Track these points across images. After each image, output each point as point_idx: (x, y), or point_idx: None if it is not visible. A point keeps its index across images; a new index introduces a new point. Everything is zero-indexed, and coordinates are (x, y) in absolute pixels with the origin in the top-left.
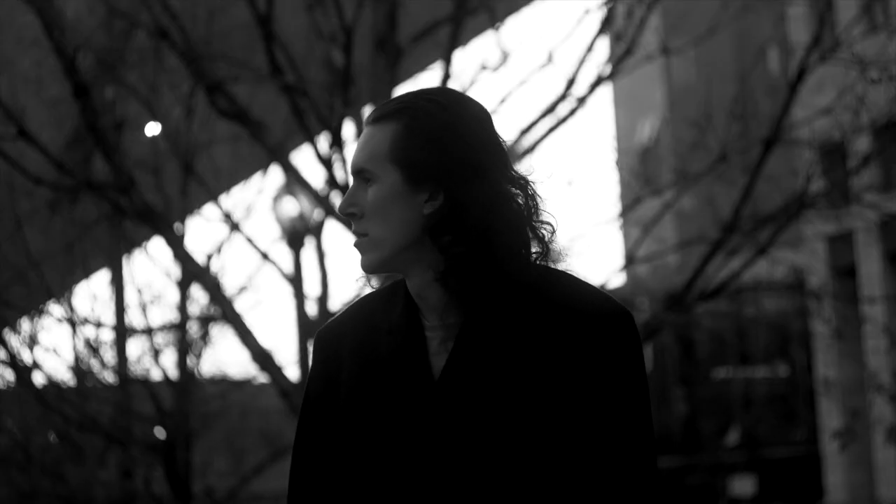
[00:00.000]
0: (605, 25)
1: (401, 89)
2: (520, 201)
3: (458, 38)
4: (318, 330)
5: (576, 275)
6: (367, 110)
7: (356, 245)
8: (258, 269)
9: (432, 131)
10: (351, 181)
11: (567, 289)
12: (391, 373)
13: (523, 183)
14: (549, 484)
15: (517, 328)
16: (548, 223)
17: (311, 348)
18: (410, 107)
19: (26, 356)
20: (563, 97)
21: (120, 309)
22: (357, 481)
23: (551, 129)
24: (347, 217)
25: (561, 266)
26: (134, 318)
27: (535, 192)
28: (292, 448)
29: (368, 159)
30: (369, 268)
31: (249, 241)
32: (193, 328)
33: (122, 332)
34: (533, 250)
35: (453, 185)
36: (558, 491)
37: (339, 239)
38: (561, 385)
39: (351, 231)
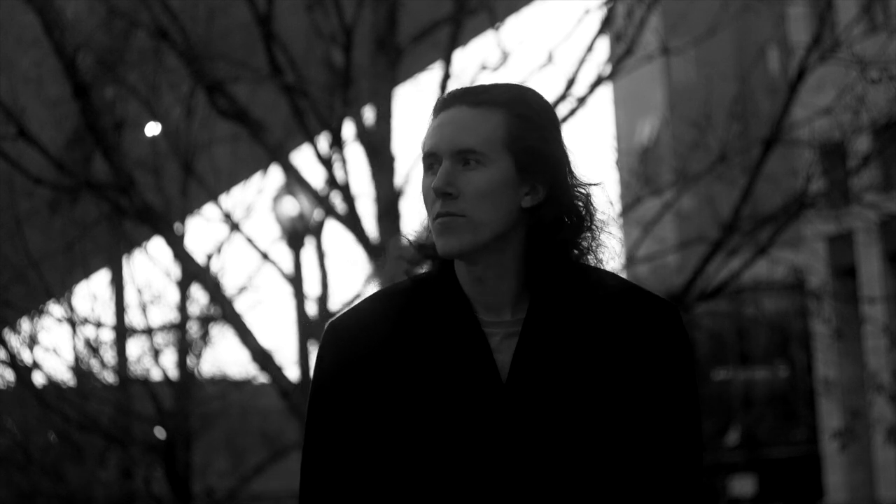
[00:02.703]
0: (605, 25)
1: (401, 89)
2: (581, 202)
3: (458, 38)
4: (332, 321)
5: (619, 273)
6: (367, 110)
7: (447, 224)
8: (258, 269)
9: (544, 126)
10: (421, 163)
11: (622, 286)
12: (453, 371)
13: (586, 187)
14: (616, 479)
15: (581, 324)
16: (601, 227)
17: (312, 346)
18: (521, 97)
19: (26, 356)
20: (563, 97)
21: (120, 309)
22: (411, 486)
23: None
24: (443, 196)
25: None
26: (134, 318)
27: (592, 195)
28: (304, 448)
29: (482, 142)
30: (461, 249)
31: (249, 241)
32: (193, 328)
33: (122, 332)
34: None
35: (555, 181)
36: (624, 485)
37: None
38: (627, 380)
39: (437, 210)
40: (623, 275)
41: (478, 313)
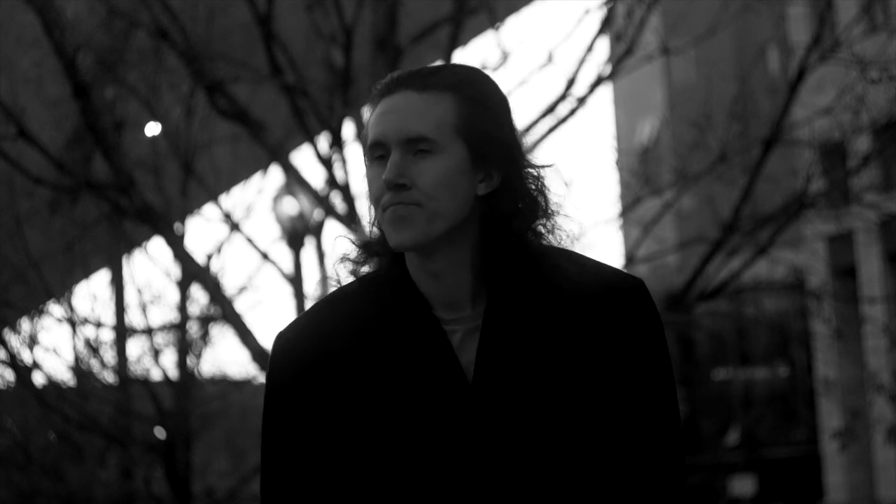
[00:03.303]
0: (605, 25)
1: None
2: (535, 187)
3: (458, 38)
4: (280, 332)
5: (577, 251)
6: (367, 110)
7: (401, 216)
8: (258, 269)
9: (496, 109)
10: (363, 156)
11: (580, 267)
12: (415, 375)
13: (539, 170)
14: (594, 474)
15: (542, 313)
16: (556, 210)
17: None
18: (470, 80)
19: (26, 356)
20: (563, 97)
21: (120, 309)
22: (378, 496)
23: (551, 129)
24: (396, 187)
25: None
26: (134, 318)
27: (544, 179)
28: (262, 466)
29: (434, 128)
30: (415, 241)
31: (249, 241)
32: (193, 328)
33: (122, 332)
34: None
35: (509, 166)
36: (602, 481)
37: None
38: (596, 368)
39: (389, 201)
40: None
41: (435, 311)
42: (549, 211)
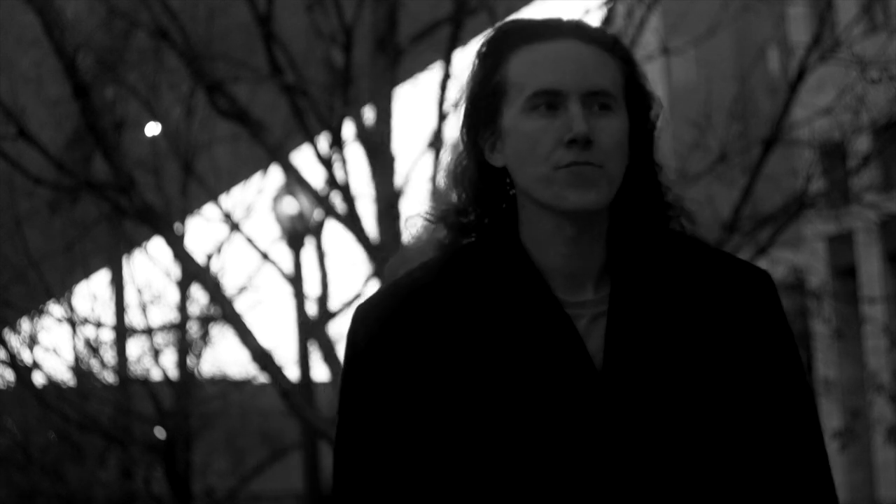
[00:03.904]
0: (605, 25)
1: (401, 89)
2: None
3: (458, 38)
4: (362, 304)
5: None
6: (367, 110)
7: (587, 175)
8: (258, 269)
9: (646, 80)
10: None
11: (708, 253)
12: (537, 362)
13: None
14: (735, 475)
15: (673, 300)
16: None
17: (312, 346)
18: (622, 44)
19: (26, 356)
20: None
21: (120, 309)
22: (489, 493)
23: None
24: (585, 144)
25: None
26: (134, 318)
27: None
28: (339, 464)
29: (612, 85)
30: (599, 205)
31: (249, 241)
32: (193, 328)
33: (122, 332)
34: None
35: (650, 141)
36: (746, 482)
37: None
38: (727, 360)
39: (571, 158)
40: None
41: (556, 292)
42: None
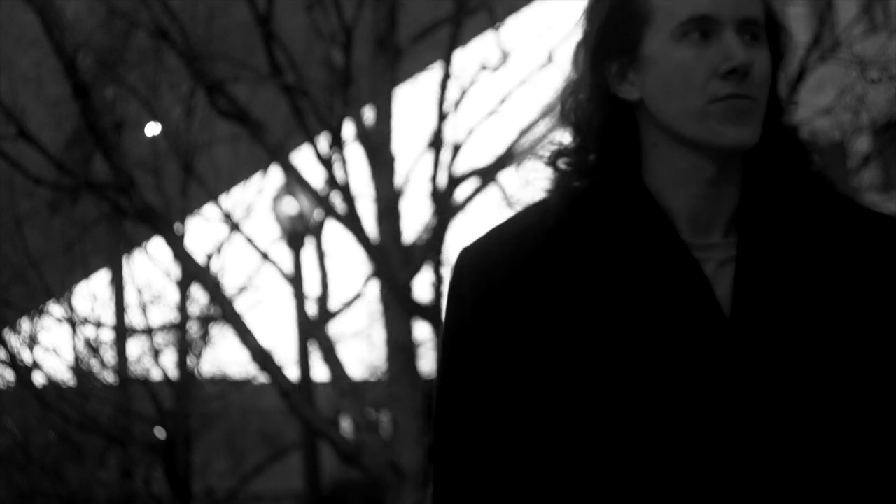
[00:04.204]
0: None
1: (401, 89)
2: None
3: (458, 38)
4: (467, 246)
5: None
6: (367, 110)
7: (745, 108)
8: (258, 269)
9: (780, 14)
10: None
11: (847, 201)
12: (660, 308)
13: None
14: (864, 426)
15: (807, 248)
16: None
17: (312, 346)
18: None
19: (26, 356)
20: None
21: (120, 309)
22: (610, 453)
23: (551, 129)
24: (743, 75)
25: None
26: (134, 318)
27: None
28: (442, 426)
29: (761, 14)
30: (753, 141)
31: (249, 241)
32: (193, 328)
33: (122, 332)
34: None
35: (783, 83)
36: (873, 436)
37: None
38: (864, 314)
39: (729, 90)
40: None
41: (681, 234)
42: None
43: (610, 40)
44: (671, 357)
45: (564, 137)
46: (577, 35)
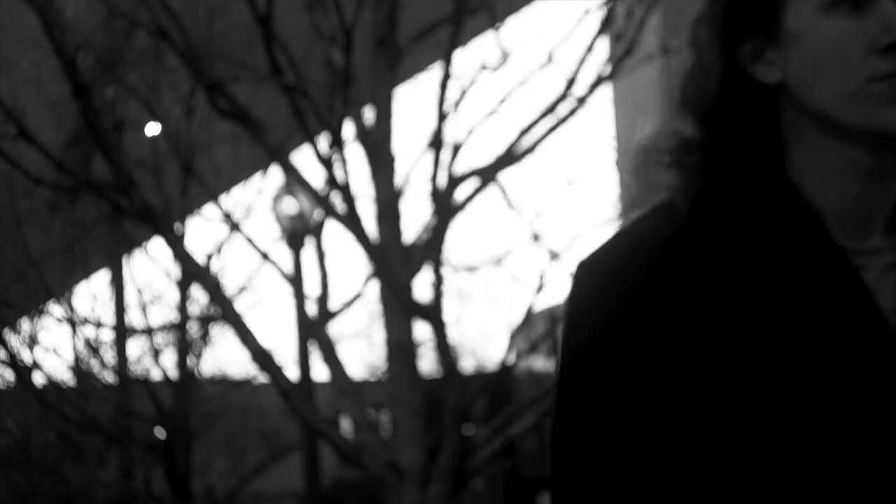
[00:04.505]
0: (605, 25)
1: (401, 89)
2: None
3: (458, 38)
4: (584, 270)
5: None
6: (367, 110)
7: None
8: (258, 269)
9: None
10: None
11: None
12: (822, 320)
13: None
14: None
15: None
16: None
17: (312, 346)
18: None
19: (26, 356)
20: (563, 97)
21: (120, 309)
22: (769, 470)
23: (551, 129)
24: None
25: None
26: (134, 318)
27: None
28: (569, 442)
29: None
30: None
31: (249, 241)
32: (193, 328)
33: (122, 332)
34: None
35: None
36: None
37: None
38: None
39: (894, 68)
40: None
41: (835, 237)
42: None
43: (743, 15)
44: (834, 377)
45: (687, 130)
46: (700, 11)
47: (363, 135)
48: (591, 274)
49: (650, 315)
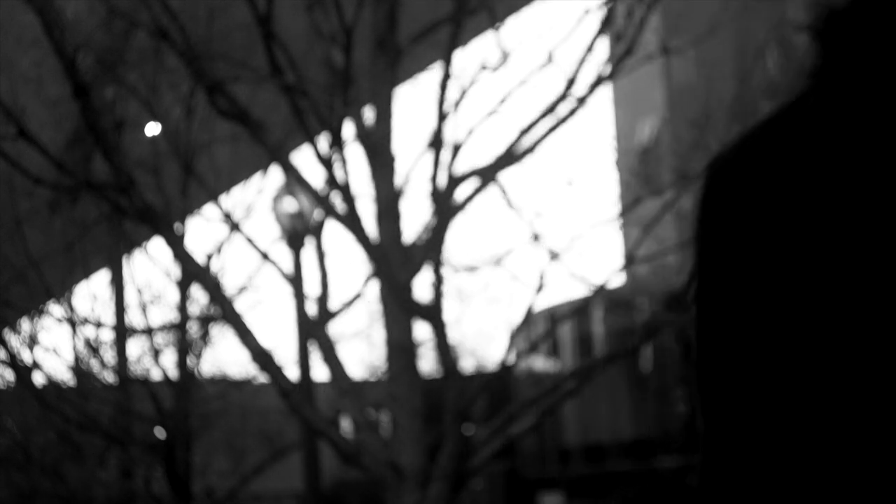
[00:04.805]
0: (605, 25)
1: (401, 89)
2: None
3: (458, 38)
4: (715, 163)
5: None
6: (367, 110)
7: None
8: (258, 269)
9: None
10: None
11: None
12: None
13: None
14: None
15: None
16: None
17: (312, 346)
18: None
19: (26, 356)
20: (563, 97)
21: (120, 309)
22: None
23: (551, 129)
24: None
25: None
26: (134, 318)
27: None
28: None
29: None
30: None
31: (249, 241)
32: (193, 328)
33: (122, 332)
34: None
35: None
36: None
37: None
38: None
39: None
40: (621, 275)
41: None
42: None
43: None
44: None
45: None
46: None
47: (363, 135)
48: (724, 176)
49: (796, 221)
